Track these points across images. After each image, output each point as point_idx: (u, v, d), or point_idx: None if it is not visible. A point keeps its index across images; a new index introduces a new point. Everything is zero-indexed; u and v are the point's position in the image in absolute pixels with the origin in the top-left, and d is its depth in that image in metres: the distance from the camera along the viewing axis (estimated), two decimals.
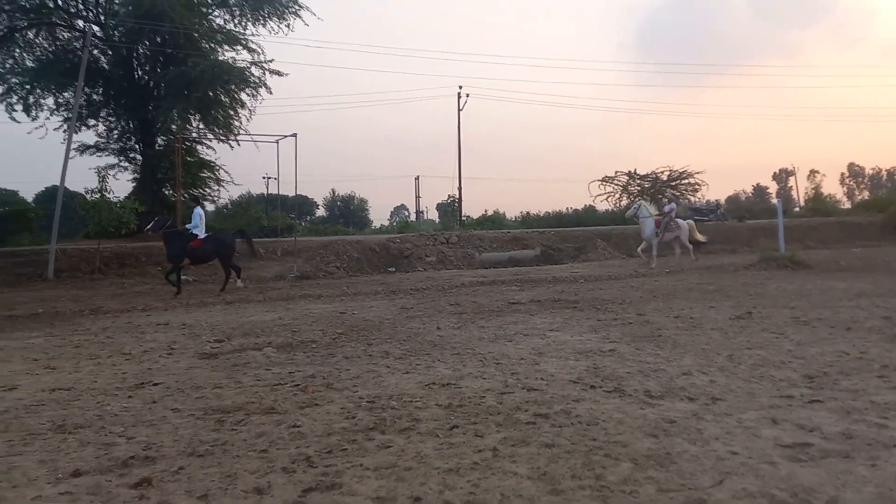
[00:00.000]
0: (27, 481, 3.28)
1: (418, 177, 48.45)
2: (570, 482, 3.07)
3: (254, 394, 4.98)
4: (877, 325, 7.21)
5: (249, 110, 28.94)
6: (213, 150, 30.52)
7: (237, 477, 3.26)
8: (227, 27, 30.06)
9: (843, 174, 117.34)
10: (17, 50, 28.60)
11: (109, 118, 30.53)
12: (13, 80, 27.18)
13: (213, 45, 29.04)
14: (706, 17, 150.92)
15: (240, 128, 28.51)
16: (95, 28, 28.51)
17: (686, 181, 42.03)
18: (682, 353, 6.08)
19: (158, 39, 27.53)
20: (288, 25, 30.01)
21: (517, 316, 9.09)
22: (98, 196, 19.18)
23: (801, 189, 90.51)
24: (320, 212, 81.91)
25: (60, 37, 29.64)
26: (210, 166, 31.01)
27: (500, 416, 4.20)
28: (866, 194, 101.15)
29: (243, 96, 28.55)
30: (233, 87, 27.67)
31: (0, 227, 27.83)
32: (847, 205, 66.00)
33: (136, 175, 29.89)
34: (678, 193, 42.45)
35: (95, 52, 28.54)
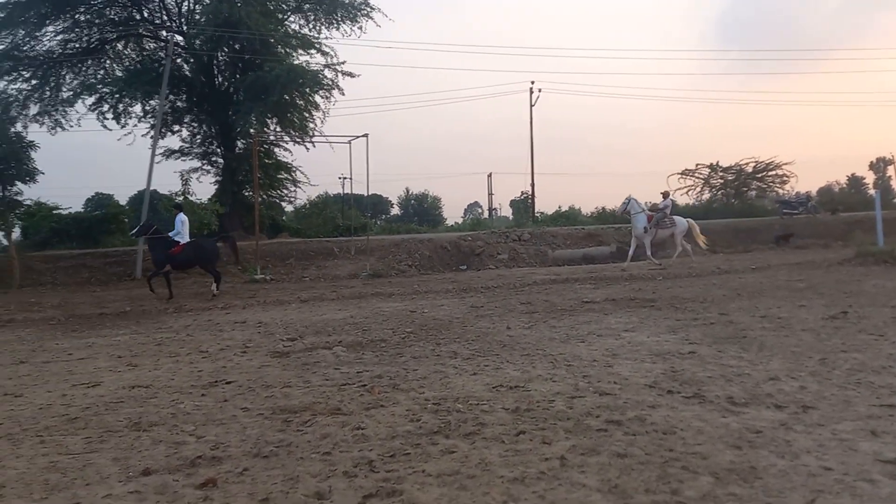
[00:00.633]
0: (100, 479, 3.36)
1: (491, 174, 48.01)
2: (643, 497, 2.88)
3: (321, 394, 4.98)
4: None
5: (323, 112, 29.51)
6: (290, 152, 31.34)
7: (299, 480, 3.23)
8: (302, 32, 30.80)
9: None
10: (108, 61, 30.21)
11: (193, 124, 31.83)
12: (104, 89, 28.67)
13: (287, 50, 29.79)
14: (792, 0, 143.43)
15: (314, 129, 29.13)
16: (178, 38, 29.78)
17: (773, 173, 40.07)
18: (769, 356, 5.70)
19: (237, 46, 28.45)
20: (360, 27, 30.46)
21: (590, 315, 8.81)
22: (181, 198, 19.98)
23: None
24: (395, 210, 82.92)
25: (147, 47, 31.13)
26: (287, 168, 31.84)
27: (570, 421, 4.02)
28: None
29: (317, 98, 29.13)
30: (307, 89, 28.25)
31: (96, 229, 29.45)
32: None
33: (217, 178, 31.04)
34: (765, 186, 40.52)
35: (179, 60, 29.81)
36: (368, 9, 29.97)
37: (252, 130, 25.90)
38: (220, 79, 31.07)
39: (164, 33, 29.42)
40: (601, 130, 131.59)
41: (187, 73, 30.56)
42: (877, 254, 14.56)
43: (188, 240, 14.04)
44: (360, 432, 3.95)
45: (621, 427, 3.88)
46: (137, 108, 29.48)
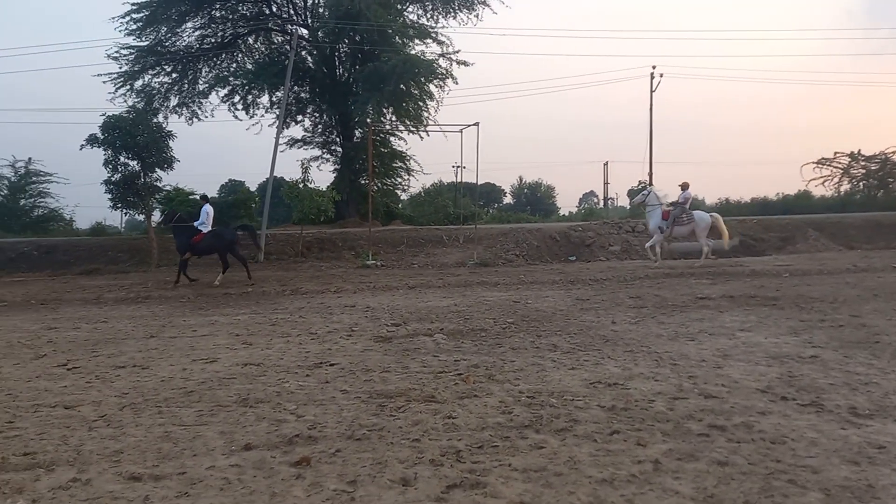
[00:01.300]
0: (206, 451, 3.58)
1: (607, 162, 46.61)
2: None
3: (417, 380, 5.05)
4: None
5: (437, 101, 29.86)
6: (405, 141, 32.01)
7: (387, 465, 3.29)
8: (419, 22, 31.27)
9: None
10: (239, 55, 32.11)
11: (314, 114, 33.23)
12: (235, 82, 30.49)
13: (405, 40, 30.35)
14: None
15: (428, 118, 29.54)
16: (303, 31, 31.13)
17: None
18: None
19: (357, 38, 29.34)
20: (477, 15, 30.53)
21: (704, 312, 8.37)
22: (301, 186, 20.92)
23: None
24: (507, 199, 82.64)
25: (274, 41, 32.78)
26: (401, 156, 32.56)
27: (669, 424, 3.83)
28: None
29: (432, 88, 29.50)
30: (422, 79, 28.67)
31: (226, 213, 31.46)
32: None
33: (336, 166, 32.25)
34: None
35: (303, 53, 31.17)
36: None
37: (368, 120, 26.63)
38: (340, 70, 32.18)
39: (290, 27, 30.84)
40: (726, 116, 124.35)
41: (311, 65, 31.89)
42: None
43: (210, 229, 14.99)
44: (450, 421, 3.97)
45: (725, 433, 3.65)
46: (265, 99, 31.18)
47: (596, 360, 5.63)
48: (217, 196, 35.09)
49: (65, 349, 6.90)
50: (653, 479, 3.03)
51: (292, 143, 32.61)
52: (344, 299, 10.99)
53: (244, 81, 30.14)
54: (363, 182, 30.31)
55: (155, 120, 24.23)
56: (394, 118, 30.38)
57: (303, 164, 21.98)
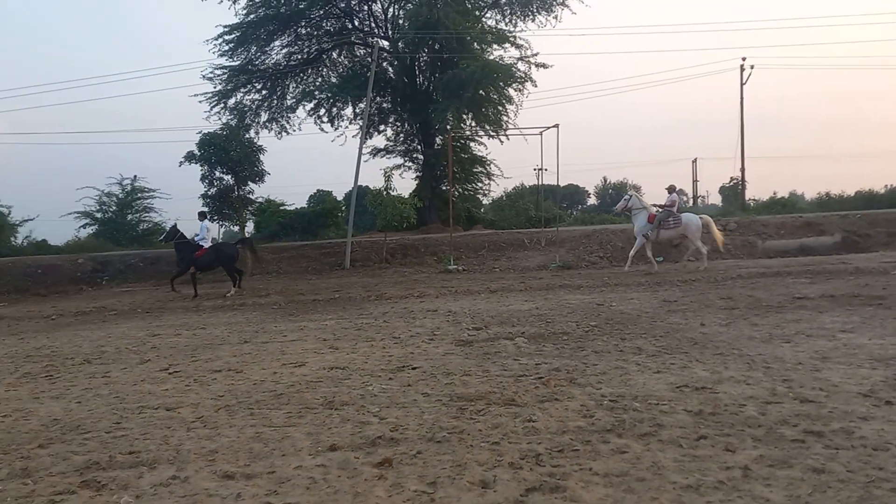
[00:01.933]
0: (294, 451, 3.72)
1: (696, 159, 44.85)
2: None
3: (498, 383, 5.06)
4: None
5: (517, 105, 29.75)
6: (485, 145, 32.10)
7: (466, 467, 3.31)
8: (497, 27, 31.30)
9: None
10: (324, 69, 33.17)
11: (396, 123, 33.85)
12: (321, 95, 31.50)
13: (483, 46, 30.44)
14: None
15: (508, 122, 29.48)
16: (384, 43, 31.80)
17: None
18: None
19: (436, 46, 29.70)
20: (556, 17, 30.28)
21: (801, 313, 7.95)
22: (384, 194, 21.38)
23: None
24: (591, 200, 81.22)
25: (357, 54, 33.65)
26: (482, 161, 32.65)
27: (760, 429, 3.67)
28: None
29: (511, 92, 29.43)
30: (501, 84, 28.66)
31: (315, 223, 32.55)
32: None
33: (417, 173, 32.71)
34: None
35: (384, 64, 31.84)
36: None
37: (448, 127, 26.87)
38: (420, 79, 32.65)
39: (371, 40, 31.58)
40: (824, 108, 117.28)
41: (392, 75, 32.52)
42: None
43: (210, 244, 15.57)
44: (530, 424, 3.95)
45: (822, 439, 3.46)
46: (348, 111, 32.04)
47: (683, 364, 5.46)
48: (306, 206, 36.27)
49: (167, 354, 7.33)
50: (741, 485, 2.91)
51: (375, 152, 33.33)
52: (426, 304, 11.12)
53: (329, 95, 31.08)
54: (444, 188, 30.57)
55: (247, 136, 25.41)
56: (473, 124, 30.52)
57: (385, 172, 22.48)
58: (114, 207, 34.48)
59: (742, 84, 36.38)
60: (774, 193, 37.44)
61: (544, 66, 29.34)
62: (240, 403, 4.87)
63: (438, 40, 28.70)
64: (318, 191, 48.65)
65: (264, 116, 31.53)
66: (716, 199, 59.29)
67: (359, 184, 24.07)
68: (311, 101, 31.47)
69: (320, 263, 21.87)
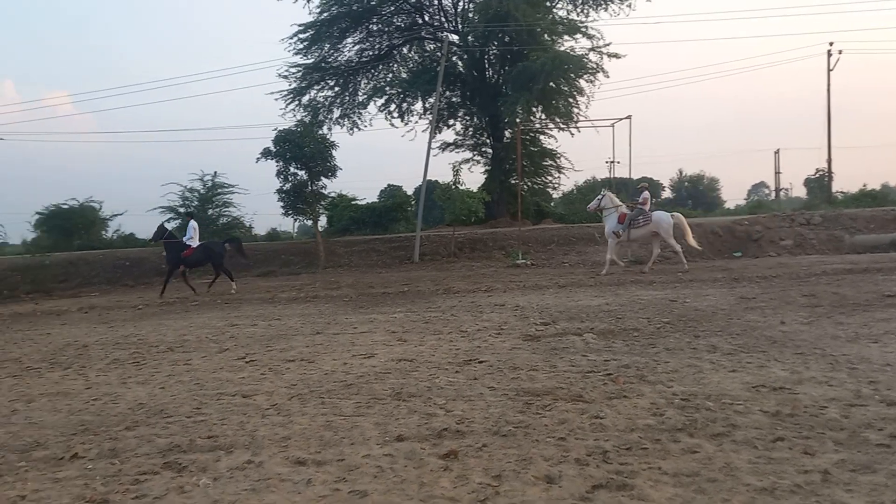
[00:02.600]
0: (362, 440, 3.81)
1: (778, 150, 42.92)
2: None
3: (565, 379, 5.01)
4: None
5: (588, 96, 29.25)
6: (555, 138, 31.72)
7: (532, 462, 3.31)
8: (569, 17, 30.83)
9: None
10: (395, 65, 33.59)
11: (465, 117, 33.89)
12: (391, 91, 31.90)
13: (553, 38, 30.05)
14: None
15: (579, 114, 29.03)
16: (454, 37, 31.88)
17: None
18: None
19: (506, 39, 29.54)
20: (629, 5, 29.58)
21: (892, 312, 7.51)
22: (453, 188, 21.47)
23: None
24: (666, 194, 78.92)
25: (427, 49, 33.87)
26: (552, 154, 32.28)
27: (843, 432, 3.50)
28: None
29: (582, 83, 28.94)
30: (572, 75, 28.24)
31: (385, 217, 33.06)
32: None
33: (486, 167, 32.67)
34: None
35: (454, 58, 31.92)
36: None
37: (518, 120, 26.69)
38: (490, 72, 32.55)
39: (441, 34, 31.73)
40: None
41: (461, 69, 32.57)
42: None
43: (198, 243, 15.92)
44: (598, 421, 3.90)
45: None
46: (418, 106, 32.32)
47: (760, 363, 5.25)
48: (376, 201, 36.87)
49: (244, 344, 7.63)
50: (820, 490, 2.79)
51: (444, 146, 33.48)
52: (494, 298, 11.12)
53: (399, 90, 31.43)
54: (513, 182, 30.41)
55: (320, 132, 25.99)
56: (543, 116, 30.19)
57: (454, 166, 22.57)
58: (195, 202, 35.93)
59: (829, 70, 34.51)
60: (864, 185, 35.30)
61: (617, 56, 28.70)
62: (311, 392, 5.01)
63: (508, 33, 28.52)
64: (389, 185, 49.29)
65: (337, 113, 32.22)
66: (800, 191, 56.51)
67: (428, 178, 24.28)
68: (381, 97, 31.90)
69: (390, 257, 22.19)
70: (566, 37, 30.11)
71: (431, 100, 30.20)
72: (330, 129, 31.14)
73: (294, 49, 30.27)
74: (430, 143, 24.36)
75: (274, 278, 19.52)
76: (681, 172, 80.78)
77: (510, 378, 5.15)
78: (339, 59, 31.95)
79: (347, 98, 32.41)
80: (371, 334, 7.84)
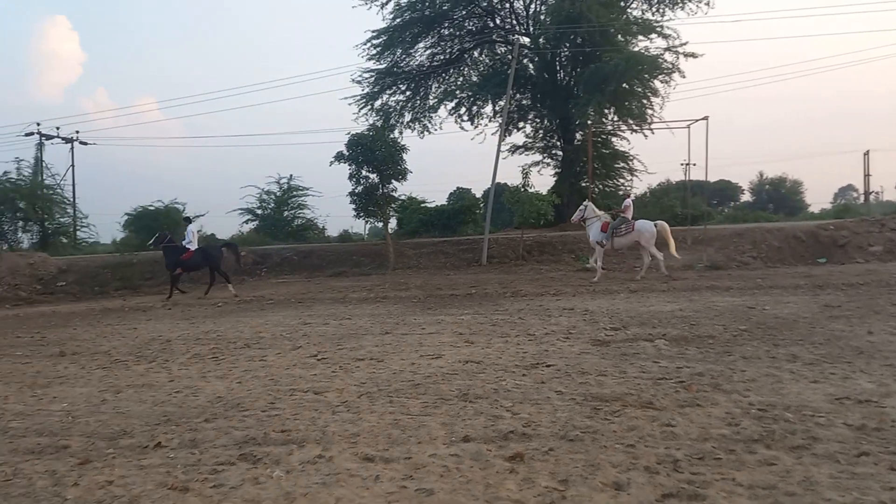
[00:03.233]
0: (429, 439, 3.85)
1: (868, 151, 40.61)
2: None
3: (635, 385, 4.92)
4: None
5: (662, 97, 28.56)
6: (628, 140, 31.11)
7: (599, 468, 3.26)
8: (644, 17, 30.20)
9: None
10: (465, 68, 33.73)
11: (536, 119, 33.70)
12: (461, 94, 32.07)
13: (627, 38, 29.50)
14: None
15: (653, 116, 28.38)
16: (525, 39, 31.74)
17: None
18: None
19: (578, 40, 29.22)
20: (707, 3, 28.69)
21: None
22: (522, 190, 21.37)
23: None
24: (745, 197, 75.92)
25: (498, 52, 33.87)
26: (624, 157, 31.66)
27: None
28: None
29: (656, 84, 28.28)
30: (646, 76, 27.64)
31: (453, 219, 33.20)
32: None
33: (556, 170, 32.37)
34: None
35: (525, 60, 31.79)
36: None
37: (589, 122, 26.33)
38: (561, 74, 32.25)
39: (512, 37, 31.66)
40: None
41: (532, 71, 32.42)
42: None
43: (196, 247, 16.44)
44: (669, 429, 3.81)
45: None
46: (488, 109, 32.37)
47: (844, 374, 5.00)
48: (445, 203, 37.08)
49: (316, 342, 7.83)
50: None
51: (514, 149, 33.38)
52: (563, 302, 11.00)
53: (469, 93, 31.59)
54: (584, 184, 29.99)
55: (391, 135, 26.39)
56: (616, 118, 29.67)
57: (523, 169, 22.47)
58: (272, 204, 37.17)
59: None
60: None
61: (693, 55, 27.90)
62: (380, 391, 5.10)
63: (581, 34, 28.19)
64: (458, 188, 49.56)
65: (408, 116, 32.65)
66: (891, 194, 53.31)
67: (497, 181, 24.23)
68: (451, 101, 32.11)
69: (458, 259, 22.27)
70: (640, 37, 29.52)
71: (501, 103, 30.18)
72: (401, 132, 31.59)
73: (367, 55, 30.90)
74: (499, 145, 24.35)
75: (345, 278, 19.93)
76: (761, 175, 77.60)
77: (578, 382, 5.10)
78: (411, 63, 32.38)
79: (418, 102, 32.79)
80: (438, 335, 7.90)
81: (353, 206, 22.73)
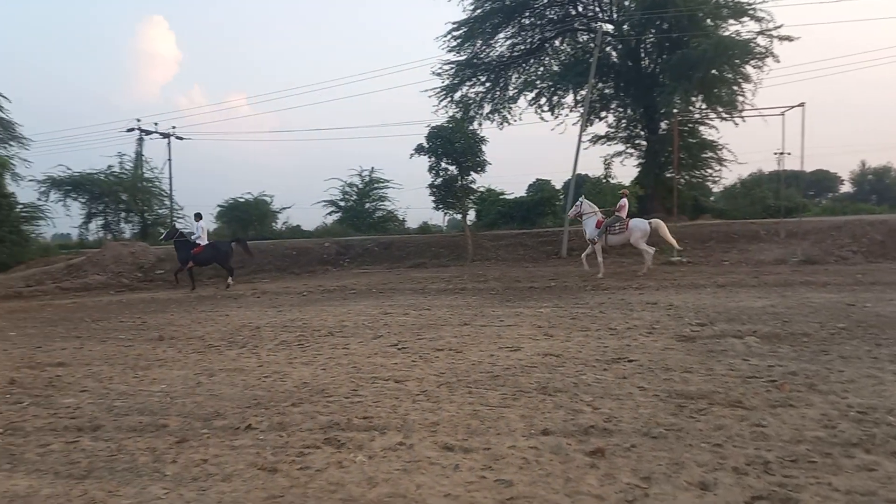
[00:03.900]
0: (508, 431, 3.86)
1: None
2: None
3: (723, 383, 4.75)
4: None
5: (754, 83, 27.17)
6: (716, 129, 29.83)
7: (684, 466, 3.18)
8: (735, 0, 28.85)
9: None
10: (546, 58, 33.25)
11: (618, 109, 32.83)
12: (542, 85, 31.65)
13: (717, 22, 28.26)
14: None
15: (744, 103, 27.10)
16: (608, 27, 30.97)
17: None
18: None
19: (664, 26, 28.25)
20: None
21: None
22: (603, 182, 20.94)
23: None
24: (845, 188, 71.58)
25: (580, 40, 33.21)
26: (712, 146, 30.42)
27: None
28: None
29: (748, 69, 26.94)
30: (737, 61, 26.40)
31: (532, 211, 32.92)
32: None
33: (640, 160, 31.47)
34: None
35: (607, 48, 31.04)
36: None
37: (675, 110, 25.45)
38: (646, 62, 31.29)
39: (595, 24, 30.97)
40: None
41: (615, 59, 31.61)
42: None
43: (206, 242, 17.22)
44: (759, 430, 3.67)
45: None
46: (569, 99, 31.75)
47: None
48: (524, 195, 36.82)
49: (396, 331, 7.98)
50: None
51: (595, 139, 32.66)
52: (646, 296, 10.73)
53: (550, 83, 31.13)
54: (669, 175, 29.05)
55: (470, 127, 26.41)
56: (704, 106, 28.53)
57: (605, 159, 22.01)
58: (354, 196, 38.04)
59: None
60: None
61: (789, 38, 26.40)
62: (459, 381, 5.15)
63: (667, 19, 27.24)
64: (537, 180, 49.07)
65: (487, 108, 32.50)
66: None
67: (578, 172, 23.83)
68: (531, 91, 31.73)
69: (537, 252, 22.08)
70: (731, 20, 28.18)
71: (583, 92, 29.59)
72: (480, 124, 31.51)
73: (447, 47, 30.97)
74: (580, 136, 23.93)
75: (424, 269, 20.15)
76: (863, 164, 72.92)
77: (662, 379, 4.97)
78: (491, 54, 32.20)
79: (498, 93, 32.59)
80: (517, 328, 7.88)
81: (433, 197, 22.92)
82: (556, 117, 32.02)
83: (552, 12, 32.53)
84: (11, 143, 32.48)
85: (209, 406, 4.78)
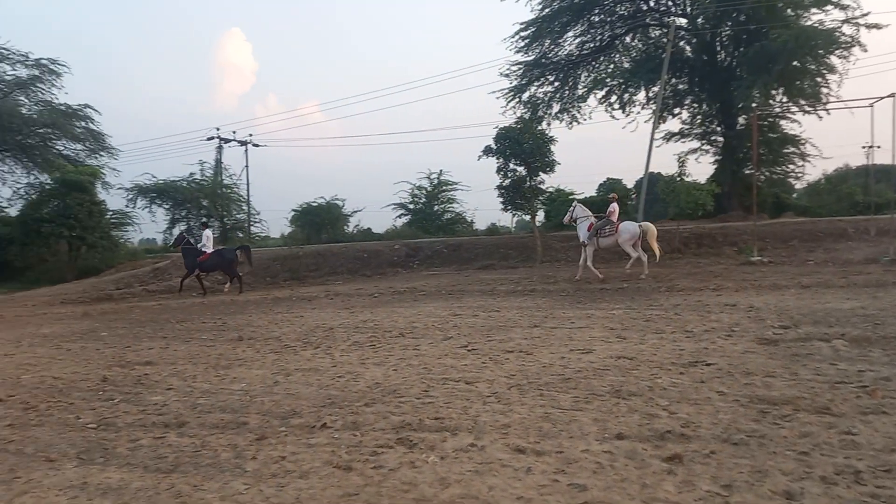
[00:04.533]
0: (581, 434, 3.81)
1: None
2: None
3: (808, 389, 4.54)
4: None
5: (840, 74, 25.83)
6: (798, 123, 28.53)
7: (768, 475, 3.06)
8: None
9: None
10: (616, 55, 32.63)
11: (693, 105, 31.86)
12: (612, 82, 31.07)
13: (798, 12, 27.01)
14: None
15: (829, 95, 25.80)
16: (681, 21, 30.11)
17: None
18: None
19: (741, 18, 27.27)
20: None
21: None
22: (678, 180, 20.36)
23: None
24: None
25: (651, 36, 32.44)
26: (794, 141, 29.10)
27: None
28: None
29: (833, 60, 25.63)
30: (820, 52, 25.17)
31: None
32: None
33: (716, 157, 30.44)
34: None
35: (681, 43, 30.19)
36: None
37: (753, 105, 24.47)
38: (721, 55, 30.30)
39: (667, 19, 30.18)
40: None
41: (689, 54, 30.77)
42: None
43: (212, 249, 17.78)
44: (849, 437, 3.48)
45: None
46: (640, 96, 31.09)
47: None
48: (595, 194, 36.26)
49: (466, 333, 8.00)
50: None
51: (669, 136, 31.85)
52: (724, 297, 10.35)
53: (620, 81, 30.53)
54: (747, 172, 27.97)
55: (539, 127, 26.18)
56: (784, 99, 27.33)
57: (679, 157, 21.37)
58: (423, 199, 38.39)
59: None
60: None
61: (877, 26, 24.96)
62: (530, 384, 5.11)
63: (744, 11, 26.27)
64: (608, 179, 48.19)
65: (556, 107, 32.17)
66: None
67: (650, 170, 23.27)
68: (602, 89, 31.20)
69: (608, 252, 21.64)
70: (814, 9, 26.88)
71: (655, 88, 28.91)
72: (549, 124, 31.23)
73: (515, 47, 30.86)
74: (652, 133, 23.42)
75: (493, 271, 20.10)
76: None
77: (742, 383, 4.79)
78: (560, 53, 31.88)
79: (567, 92, 32.21)
80: (589, 330, 7.76)
81: (501, 199, 22.84)
82: (628, 115, 31.42)
83: (623, 8, 31.93)
84: (102, 153, 34.59)
85: (286, 405, 4.92)
